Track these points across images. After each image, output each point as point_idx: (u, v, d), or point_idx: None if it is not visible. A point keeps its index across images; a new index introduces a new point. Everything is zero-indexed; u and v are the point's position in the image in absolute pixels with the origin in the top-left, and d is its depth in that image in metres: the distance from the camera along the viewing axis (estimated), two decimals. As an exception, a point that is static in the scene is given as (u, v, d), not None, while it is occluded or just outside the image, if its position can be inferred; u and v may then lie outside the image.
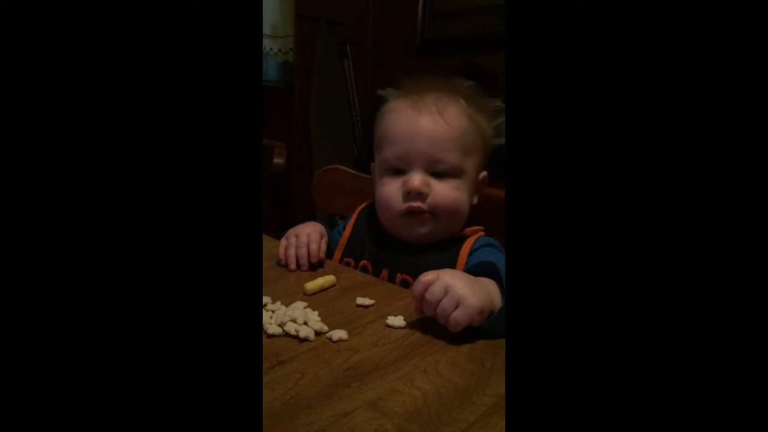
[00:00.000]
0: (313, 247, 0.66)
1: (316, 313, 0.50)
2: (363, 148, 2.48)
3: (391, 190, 0.65)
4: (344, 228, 0.77)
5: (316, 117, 2.32)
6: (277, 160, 1.07)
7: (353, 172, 0.97)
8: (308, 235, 0.67)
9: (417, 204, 0.63)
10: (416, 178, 0.63)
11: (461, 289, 0.46)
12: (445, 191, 0.64)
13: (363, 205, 0.78)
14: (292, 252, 0.66)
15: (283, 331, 0.47)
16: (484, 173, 0.71)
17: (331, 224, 0.87)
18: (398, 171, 0.66)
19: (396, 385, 0.39)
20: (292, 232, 0.69)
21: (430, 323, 0.50)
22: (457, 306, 0.45)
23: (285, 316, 0.48)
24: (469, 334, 0.48)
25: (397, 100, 0.68)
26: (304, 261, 0.65)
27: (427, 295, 0.47)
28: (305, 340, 0.46)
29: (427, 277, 0.48)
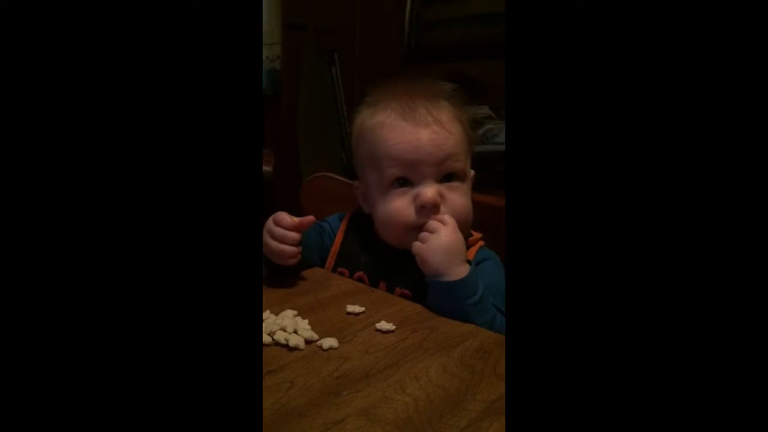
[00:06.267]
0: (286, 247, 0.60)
1: (306, 321, 0.50)
2: (351, 155, 2.48)
3: (400, 206, 0.62)
4: (334, 234, 0.74)
5: (304, 125, 2.32)
6: (265, 168, 1.07)
7: (342, 179, 0.96)
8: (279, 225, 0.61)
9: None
10: (429, 191, 0.60)
11: (437, 239, 0.57)
12: (457, 200, 0.62)
13: (355, 209, 0.75)
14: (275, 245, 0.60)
15: (273, 339, 0.46)
16: (472, 173, 0.69)
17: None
18: (404, 184, 0.62)
19: (387, 392, 0.39)
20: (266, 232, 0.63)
21: (420, 330, 0.51)
22: (424, 241, 0.58)
23: (274, 325, 0.48)
24: (458, 340, 0.48)
25: (381, 113, 0.64)
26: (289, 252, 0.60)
27: (426, 226, 0.59)
28: (295, 348, 0.45)
29: (446, 219, 0.59)
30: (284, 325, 0.48)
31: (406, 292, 0.63)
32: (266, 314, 0.51)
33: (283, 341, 0.46)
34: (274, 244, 0.60)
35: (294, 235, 0.61)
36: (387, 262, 0.66)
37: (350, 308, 0.54)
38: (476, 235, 0.69)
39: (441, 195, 0.61)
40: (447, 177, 0.62)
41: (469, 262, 0.59)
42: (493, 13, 1.91)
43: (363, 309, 0.54)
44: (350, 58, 2.46)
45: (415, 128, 0.61)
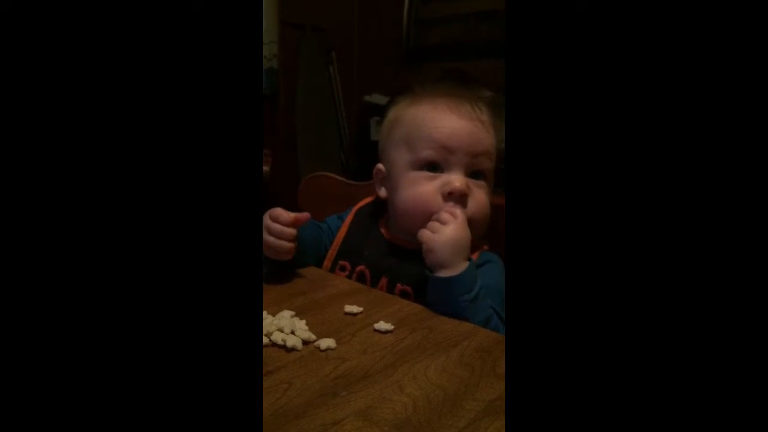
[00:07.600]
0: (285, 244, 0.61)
1: (304, 321, 0.50)
2: (350, 154, 2.48)
3: (425, 191, 0.62)
4: (338, 227, 0.73)
5: (302, 124, 2.32)
6: (263, 167, 1.07)
7: (340, 178, 0.96)
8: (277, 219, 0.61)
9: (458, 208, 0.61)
10: (460, 180, 0.61)
11: (447, 231, 0.57)
12: (481, 197, 0.63)
13: (361, 204, 0.75)
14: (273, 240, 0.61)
15: (270, 340, 0.46)
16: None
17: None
18: (432, 169, 0.63)
19: (385, 392, 0.39)
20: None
21: (418, 330, 0.50)
22: (433, 231, 0.58)
23: (272, 326, 0.47)
24: (457, 339, 0.48)
25: (427, 104, 0.66)
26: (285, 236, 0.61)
27: (437, 216, 0.59)
28: (293, 349, 0.45)
29: (458, 212, 0.59)
30: (281, 325, 0.47)
31: (407, 288, 0.63)
32: (263, 315, 0.51)
33: (280, 342, 0.46)
34: (271, 239, 0.61)
35: (291, 231, 0.62)
36: (390, 258, 0.66)
37: (348, 308, 0.54)
38: None
39: (470, 187, 0.62)
40: (475, 174, 0.64)
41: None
42: (492, 12, 1.91)
43: (361, 309, 0.54)
44: (348, 57, 2.46)
45: (459, 119, 0.63)
